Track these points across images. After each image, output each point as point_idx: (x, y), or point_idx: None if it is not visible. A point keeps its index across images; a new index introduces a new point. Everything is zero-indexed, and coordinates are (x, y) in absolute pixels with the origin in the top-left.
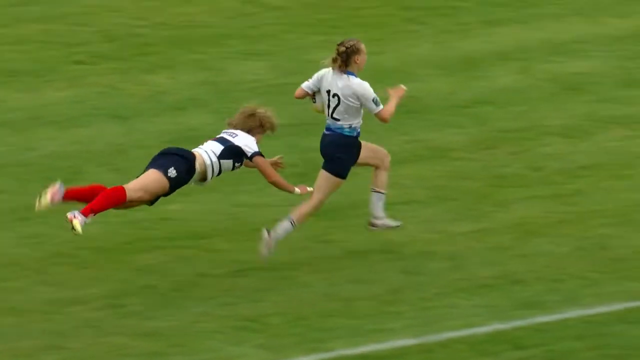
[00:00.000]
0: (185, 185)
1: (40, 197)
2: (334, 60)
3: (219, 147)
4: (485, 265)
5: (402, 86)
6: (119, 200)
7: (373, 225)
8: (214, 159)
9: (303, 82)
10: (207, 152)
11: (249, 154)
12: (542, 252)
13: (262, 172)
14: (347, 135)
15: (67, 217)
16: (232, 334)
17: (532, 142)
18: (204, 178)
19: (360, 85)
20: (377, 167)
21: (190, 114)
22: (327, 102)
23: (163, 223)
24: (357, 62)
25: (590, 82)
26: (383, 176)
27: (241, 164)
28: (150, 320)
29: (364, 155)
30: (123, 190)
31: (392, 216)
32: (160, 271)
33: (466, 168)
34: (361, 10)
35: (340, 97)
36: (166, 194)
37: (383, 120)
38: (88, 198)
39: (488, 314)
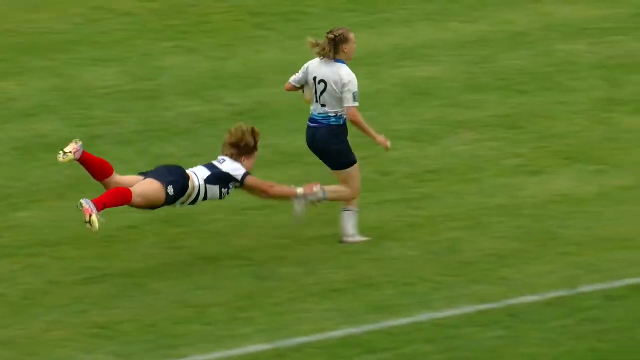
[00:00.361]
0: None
1: (63, 152)
2: (323, 48)
3: (206, 173)
4: (337, 270)
5: (389, 145)
6: (125, 201)
7: (343, 242)
8: (202, 183)
9: (154, 88)
10: (197, 174)
11: (239, 178)
12: (393, 256)
13: (258, 190)
14: (335, 125)
15: (82, 207)
16: (84, 342)
17: (381, 147)
18: (185, 200)
19: (348, 75)
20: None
21: (41, 121)
22: (314, 89)
23: (12, 230)
24: (346, 51)
25: (438, 87)
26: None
27: (229, 190)
28: (2, 329)
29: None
30: (130, 192)
31: (244, 221)
32: (10, 279)
33: (317, 173)
34: (210, 16)
35: (327, 82)
36: (154, 207)
37: (351, 115)
38: (94, 169)
39: (340, 318)
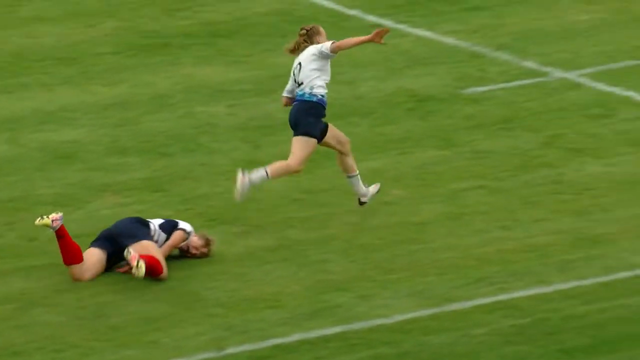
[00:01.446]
0: None
1: (43, 216)
2: (297, 44)
3: (160, 220)
4: None
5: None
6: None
7: (363, 203)
8: (157, 228)
9: None
10: (152, 222)
11: (178, 226)
12: (40, 322)
13: (170, 241)
14: (307, 100)
15: (131, 254)
16: None
17: (26, 212)
18: None
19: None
20: (340, 153)
21: None
22: (295, 77)
23: None
24: (320, 42)
25: (81, 150)
26: (349, 160)
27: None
28: None
29: (329, 136)
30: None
31: None
32: None
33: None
34: None
35: (303, 61)
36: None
37: (333, 47)
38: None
39: None
